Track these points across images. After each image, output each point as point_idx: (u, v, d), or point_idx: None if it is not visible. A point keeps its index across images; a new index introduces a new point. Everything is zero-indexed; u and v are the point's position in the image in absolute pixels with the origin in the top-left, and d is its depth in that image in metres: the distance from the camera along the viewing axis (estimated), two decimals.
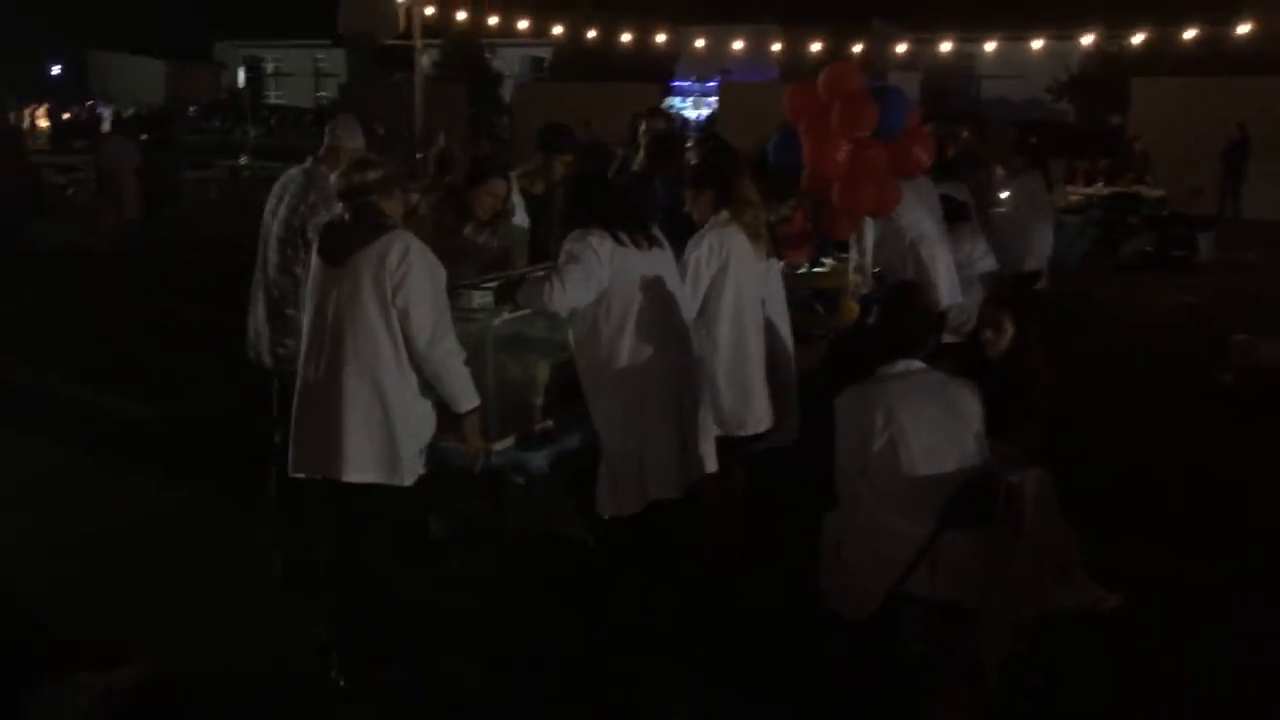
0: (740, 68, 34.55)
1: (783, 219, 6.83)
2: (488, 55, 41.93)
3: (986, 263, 7.84)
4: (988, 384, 4.23)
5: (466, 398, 3.97)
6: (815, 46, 20.72)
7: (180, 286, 12.53)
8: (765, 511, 5.24)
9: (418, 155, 20.63)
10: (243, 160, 25.23)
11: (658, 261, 4.40)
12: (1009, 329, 4.84)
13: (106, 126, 29.48)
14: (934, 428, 3.79)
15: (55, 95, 43.48)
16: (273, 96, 55.08)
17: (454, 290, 4.48)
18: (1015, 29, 24.93)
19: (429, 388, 3.99)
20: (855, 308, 6.61)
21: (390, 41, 27.03)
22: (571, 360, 4.39)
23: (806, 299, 6.54)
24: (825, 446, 4.09)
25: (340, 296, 3.89)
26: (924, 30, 26.09)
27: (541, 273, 4.35)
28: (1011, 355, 4.84)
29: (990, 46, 24.28)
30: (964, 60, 36.69)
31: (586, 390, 4.36)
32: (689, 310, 4.55)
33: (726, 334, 4.82)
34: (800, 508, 4.55)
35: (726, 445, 4.66)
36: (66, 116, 40.41)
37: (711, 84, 35.94)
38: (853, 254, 6.86)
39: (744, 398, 4.86)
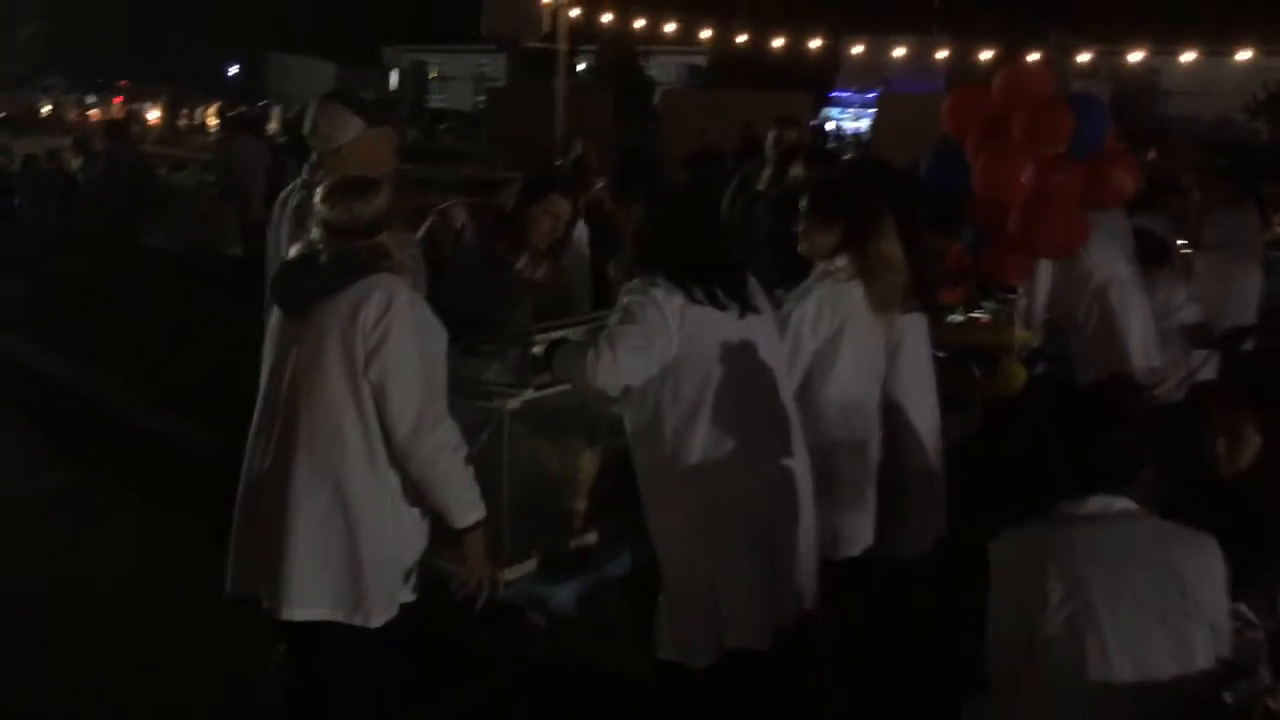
0: (902, 77, 32.81)
1: (934, 253, 5.56)
2: (642, 62, 41.09)
3: (1188, 313, 6.32)
4: (1212, 515, 2.89)
5: (465, 509, 2.86)
6: (985, 55, 19.05)
7: None
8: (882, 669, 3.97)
9: (556, 163, 19.95)
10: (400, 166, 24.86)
11: (750, 328, 3.21)
12: (1253, 439, 3.33)
13: (274, 125, 29.86)
14: (1144, 610, 2.46)
15: (232, 95, 44.72)
16: (435, 100, 55.65)
17: (501, 340, 3.41)
18: (1213, 41, 22.66)
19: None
20: (1021, 373, 5.25)
21: (537, 45, 26.41)
22: (622, 449, 3.25)
23: (959, 357, 5.24)
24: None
25: (298, 361, 2.84)
26: (1105, 43, 24.03)
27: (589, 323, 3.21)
28: (1254, 477, 3.37)
29: (1187, 58, 22.08)
30: (1149, 75, 34.06)
31: (645, 496, 3.21)
32: (788, 392, 3.35)
33: (832, 427, 3.60)
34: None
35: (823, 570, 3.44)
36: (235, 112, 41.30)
37: (872, 95, 34.27)
38: (1021, 301, 5.49)
39: (842, 511, 3.63)
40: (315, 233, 2.88)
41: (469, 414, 3.04)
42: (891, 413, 3.86)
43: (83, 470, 6.34)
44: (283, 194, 3.59)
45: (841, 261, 3.62)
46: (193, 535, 5.20)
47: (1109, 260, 5.52)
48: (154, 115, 42.68)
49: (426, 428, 2.77)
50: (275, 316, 2.93)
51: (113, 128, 15.61)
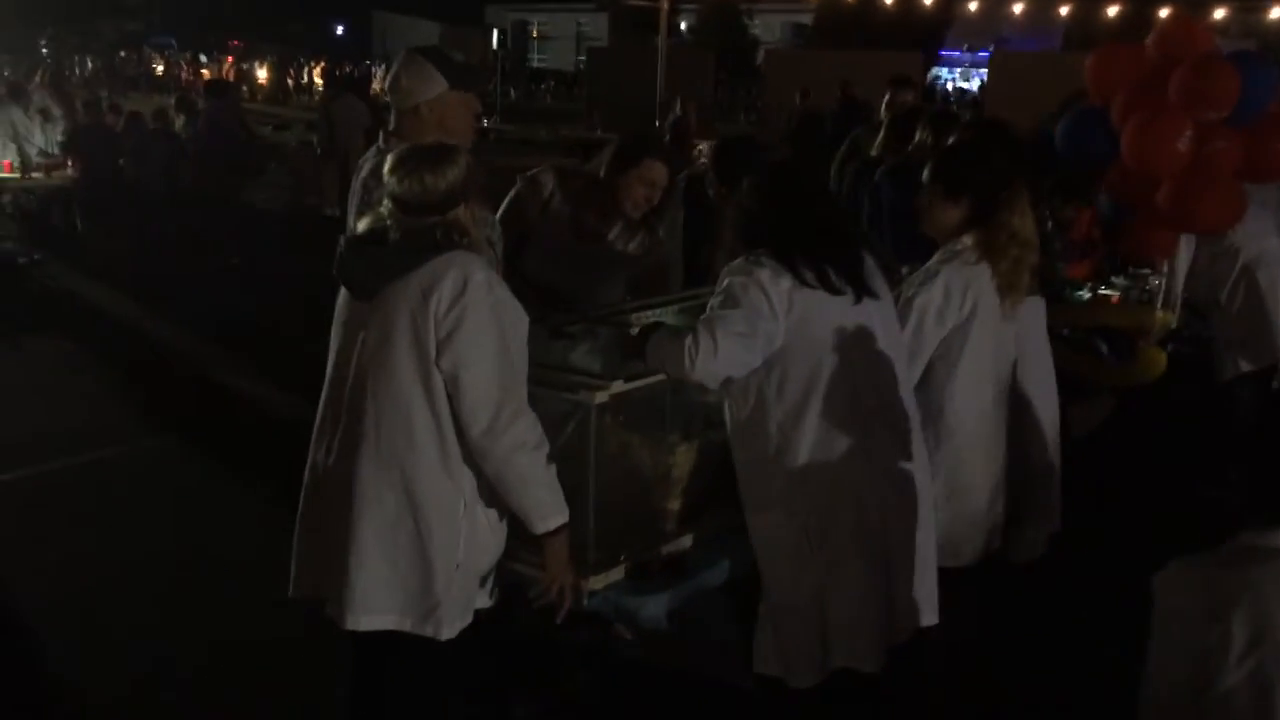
0: (1018, 35, 31.53)
1: (1062, 223, 5.10)
2: (746, 20, 40.29)
3: None
4: None
5: (546, 512, 2.59)
6: (1112, 10, 18.09)
7: None
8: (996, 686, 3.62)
9: (656, 124, 19.55)
10: (487, 122, 24.75)
11: (866, 314, 2.87)
12: None
13: (376, 86, 29.95)
14: None
15: (338, 54, 45.14)
16: (536, 60, 55.49)
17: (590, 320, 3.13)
18: None
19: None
20: (1161, 358, 4.80)
21: (638, 3, 25.96)
22: (726, 443, 2.95)
23: (1087, 339, 4.79)
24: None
25: (365, 348, 2.58)
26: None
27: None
28: None
29: None
30: None
31: (745, 498, 2.91)
32: (908, 387, 3.00)
33: (957, 422, 3.24)
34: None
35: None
36: (341, 71, 41.71)
37: (984, 54, 33.00)
38: (1158, 279, 5.01)
39: (966, 516, 3.27)
40: (384, 206, 2.61)
41: (552, 404, 2.75)
42: (1014, 405, 3.48)
43: (183, 434, 6.29)
44: (360, 161, 3.33)
45: (969, 240, 3.24)
46: (284, 511, 5.09)
47: (1259, 235, 5.01)
48: (263, 75, 43.27)
49: (504, 423, 2.50)
50: (342, 298, 2.69)
51: (214, 87, 15.79)
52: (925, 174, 3.32)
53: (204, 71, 42.94)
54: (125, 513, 5.21)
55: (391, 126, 3.22)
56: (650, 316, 3.65)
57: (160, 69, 44.79)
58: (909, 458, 2.91)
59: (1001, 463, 3.35)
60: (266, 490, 5.18)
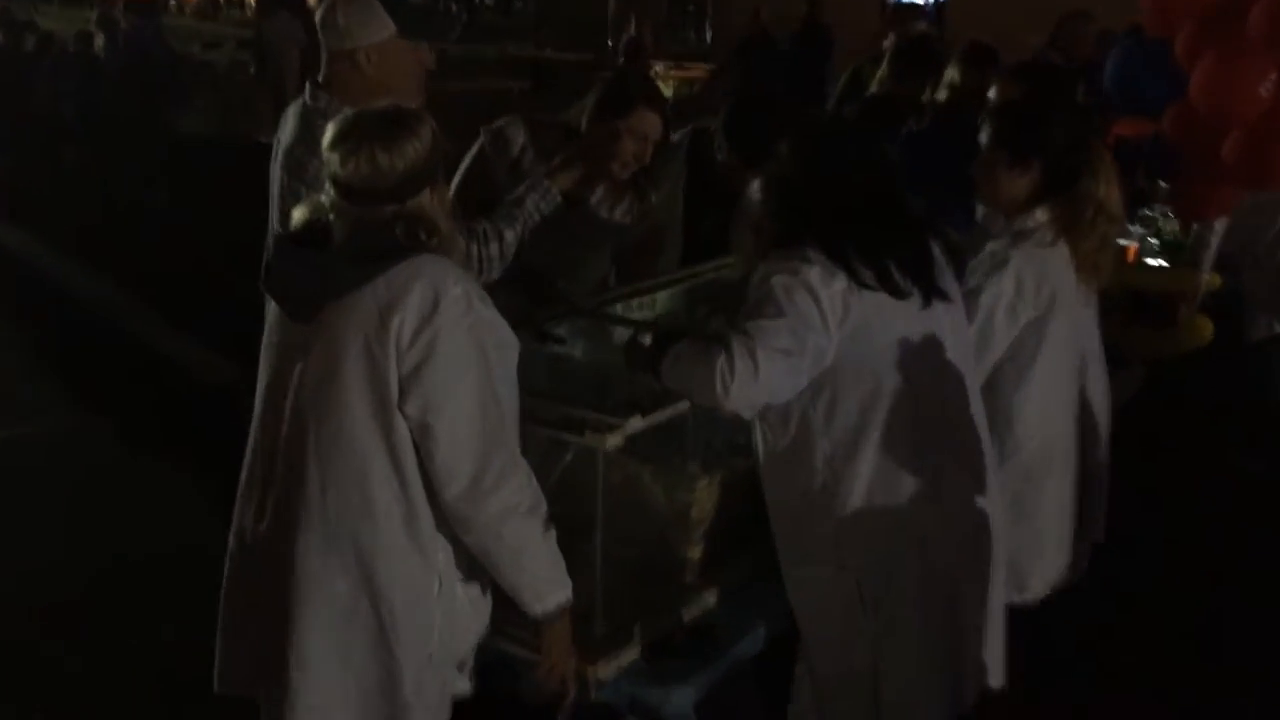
0: None
1: None
2: None
3: None
4: None
5: (544, 590, 2.02)
6: None
7: None
8: None
9: (608, 44, 18.67)
10: (439, 46, 23.56)
11: (936, 320, 2.30)
12: None
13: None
14: None
15: None
16: None
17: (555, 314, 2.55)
18: None
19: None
20: (1207, 326, 4.30)
21: None
22: (754, 474, 2.39)
23: (1121, 304, 4.28)
24: None
25: (304, 385, 1.96)
26: None
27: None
28: None
29: None
30: None
31: (783, 544, 2.36)
32: (979, 405, 2.44)
33: (1027, 435, 2.70)
34: None
35: None
36: None
37: None
38: (1203, 235, 4.47)
39: (1035, 542, 2.75)
40: (324, 195, 1.98)
41: (548, 440, 2.17)
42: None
43: (93, 406, 5.61)
44: (282, 118, 2.66)
45: (1043, 215, 2.67)
46: (197, 494, 4.47)
47: None
48: None
49: (489, 484, 1.91)
50: (273, 315, 2.06)
51: (135, 3, 14.66)
52: (983, 135, 2.73)
53: None
54: (22, 506, 4.52)
55: (321, 74, 2.56)
56: (648, 305, 3.07)
57: None
58: (984, 496, 2.37)
59: (1073, 477, 2.83)
60: (192, 475, 4.57)
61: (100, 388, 5.87)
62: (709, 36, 25.06)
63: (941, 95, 4.50)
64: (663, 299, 3.14)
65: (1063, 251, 2.66)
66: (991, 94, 3.17)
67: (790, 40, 12.40)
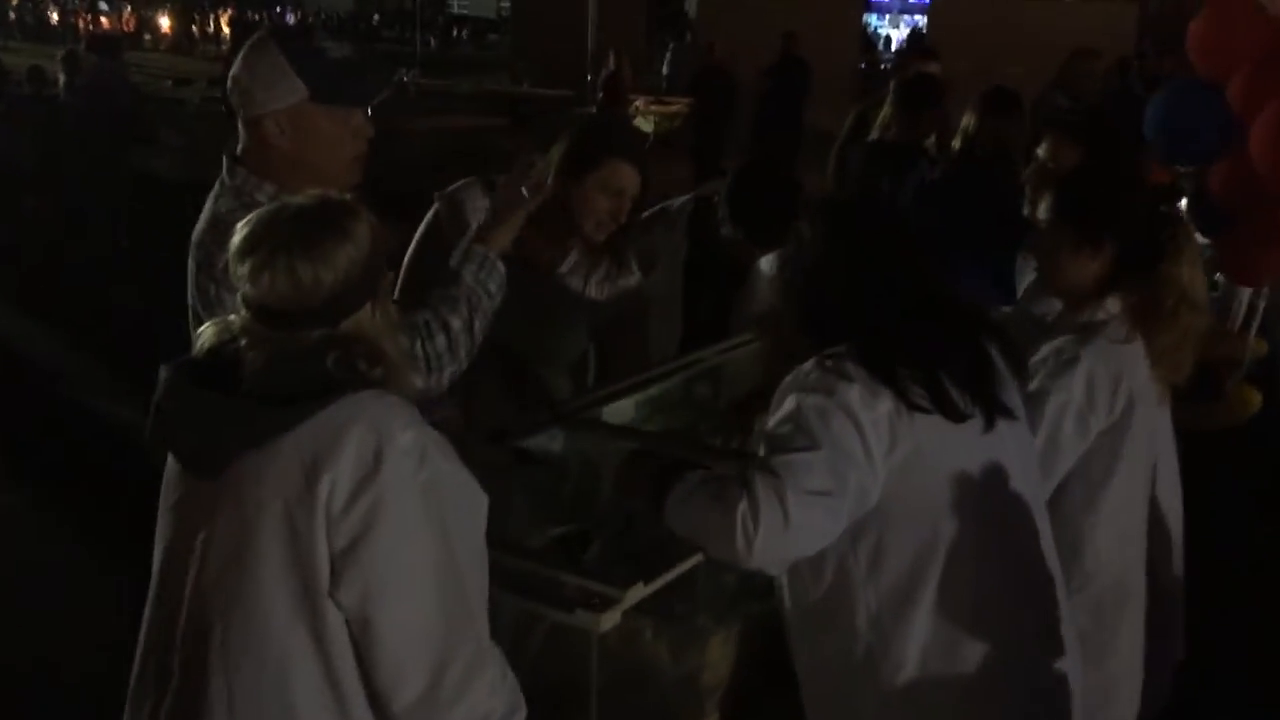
0: None
1: None
2: None
3: None
4: None
5: None
6: None
7: None
8: None
9: (588, 78, 18.32)
10: (407, 76, 23.15)
11: (1000, 445, 1.88)
12: None
13: None
14: None
15: (247, 1, 42.76)
16: (456, 6, 53.39)
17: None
18: None
19: None
20: (1255, 397, 3.89)
21: None
22: (775, 623, 1.95)
23: None
24: None
25: (208, 561, 1.51)
26: None
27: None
28: None
29: None
30: None
31: (817, 716, 1.92)
32: (1050, 541, 2.01)
33: (1099, 565, 2.27)
34: None
35: None
36: (255, 19, 39.66)
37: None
38: (1231, 288, 4.07)
39: (1104, 690, 2.31)
40: (234, 315, 1.55)
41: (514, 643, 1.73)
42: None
43: (26, 485, 5.12)
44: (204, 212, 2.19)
45: (1115, 306, 2.25)
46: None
47: None
48: (166, 23, 40.85)
49: (450, 692, 1.47)
50: (171, 471, 1.61)
51: (99, 42, 14.19)
52: (1044, 209, 2.31)
53: (104, 20, 40.47)
54: None
55: (240, 144, 2.11)
56: (639, 402, 2.64)
57: (56, 17, 42.06)
58: (1061, 657, 1.94)
59: (1145, 606, 2.40)
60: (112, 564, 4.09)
61: (50, 462, 5.38)
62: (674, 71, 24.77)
63: (955, 142, 4.14)
64: (655, 393, 2.71)
65: (1138, 347, 2.25)
66: (1041, 152, 2.76)
67: (769, 73, 12.03)
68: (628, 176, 2.58)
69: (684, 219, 3.00)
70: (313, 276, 1.49)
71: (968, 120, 3.90)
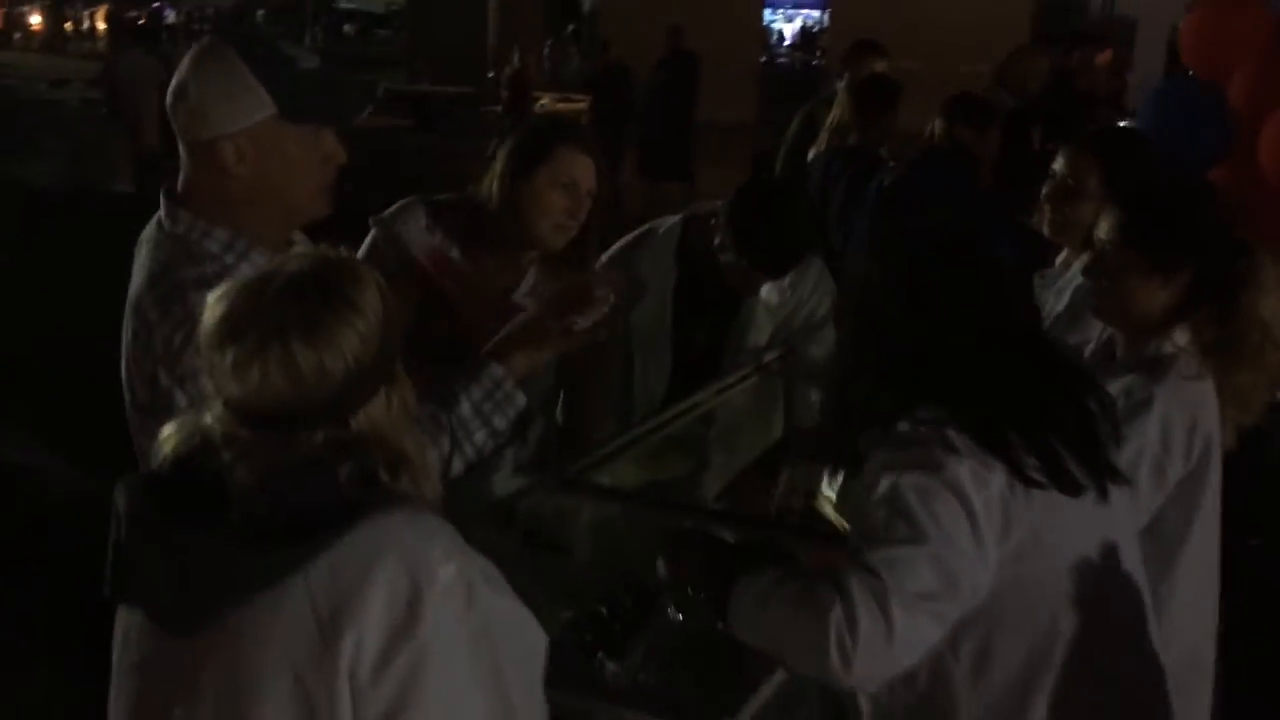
0: None
1: None
2: None
3: None
4: None
5: None
6: None
7: None
8: None
9: (489, 75, 17.85)
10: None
11: (1114, 518, 1.64)
12: None
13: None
14: None
15: None
16: (343, 1, 52.13)
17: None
18: None
19: None
20: None
21: None
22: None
23: None
24: None
25: None
26: None
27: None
28: None
29: None
30: None
31: None
32: (1155, 620, 1.76)
33: (1173, 630, 2.02)
34: None
35: None
36: (133, 16, 38.20)
37: None
38: None
39: None
40: (210, 413, 1.20)
41: None
42: None
43: None
44: (136, 248, 1.79)
45: (1183, 338, 2.01)
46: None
47: None
48: (37, 21, 39.01)
49: None
50: (128, 621, 1.25)
51: None
52: (1105, 230, 2.06)
53: None
54: None
55: (180, 178, 1.73)
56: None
57: None
58: None
59: (1210, 678, 2.17)
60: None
61: None
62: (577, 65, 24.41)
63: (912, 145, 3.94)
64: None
65: (1209, 385, 2.01)
66: (1059, 168, 2.52)
67: (658, 67, 11.73)
68: (582, 167, 2.29)
69: (673, 243, 2.70)
70: (316, 367, 1.15)
71: (936, 125, 3.70)
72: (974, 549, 1.46)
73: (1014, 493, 1.50)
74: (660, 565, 1.70)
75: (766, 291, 2.69)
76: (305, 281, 1.20)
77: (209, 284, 1.55)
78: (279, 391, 1.15)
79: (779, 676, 1.62)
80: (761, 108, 19.20)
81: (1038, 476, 1.51)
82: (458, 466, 1.76)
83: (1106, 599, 1.60)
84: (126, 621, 1.25)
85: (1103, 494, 1.59)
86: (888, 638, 1.39)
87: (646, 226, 2.78)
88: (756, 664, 1.79)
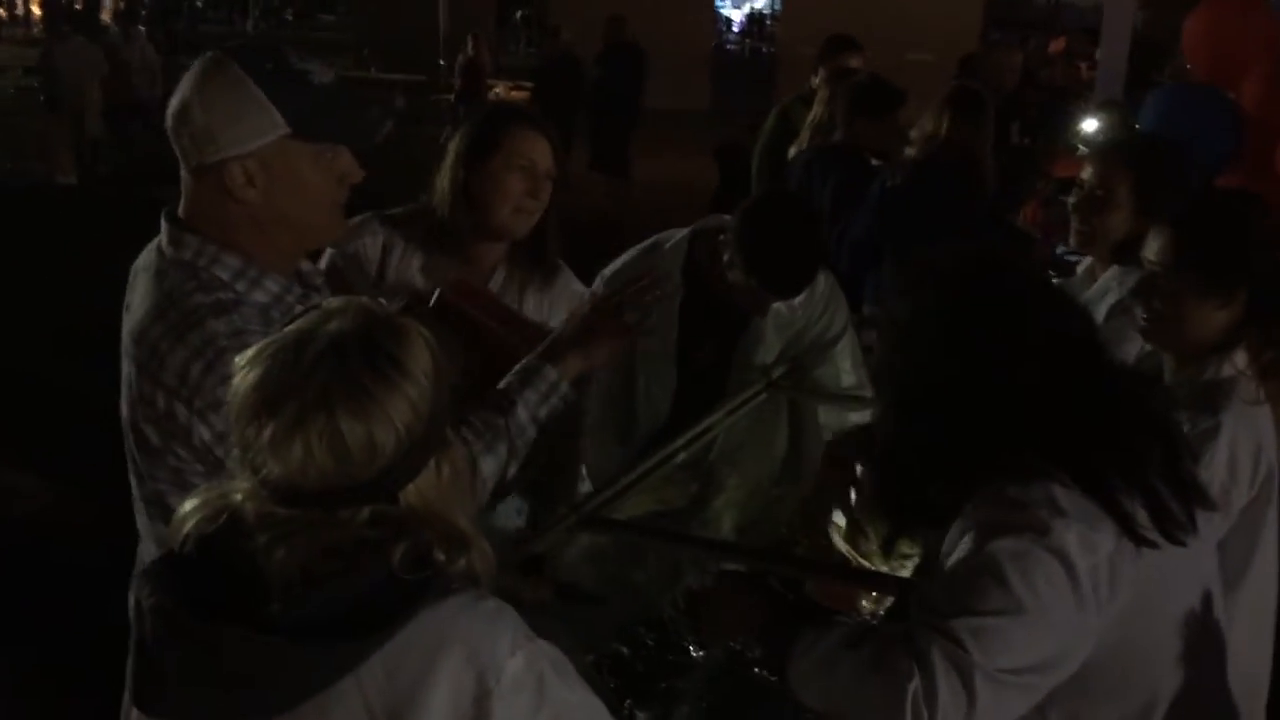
0: None
1: None
2: None
3: None
4: None
5: None
6: None
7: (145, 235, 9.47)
8: None
9: (440, 62, 17.56)
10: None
11: (1202, 559, 1.58)
12: None
13: (106, 17, 26.23)
14: None
15: None
16: None
17: None
18: None
19: None
20: None
21: None
22: None
23: None
24: None
25: None
26: None
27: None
28: None
29: None
30: None
31: None
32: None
33: (1233, 656, 1.95)
34: None
35: None
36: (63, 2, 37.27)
37: None
38: None
39: None
40: (237, 487, 1.07)
41: None
42: None
43: None
44: (130, 279, 1.67)
45: (1242, 361, 1.93)
46: None
47: None
48: None
49: None
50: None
51: None
52: (1156, 251, 1.96)
53: None
54: None
55: (183, 202, 1.60)
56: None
57: None
58: None
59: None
60: None
61: None
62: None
63: (911, 150, 3.86)
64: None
65: (1268, 410, 1.94)
66: (1087, 178, 2.44)
67: (596, 60, 11.52)
68: (538, 147, 2.22)
69: (679, 258, 2.59)
70: (365, 442, 1.03)
71: (934, 123, 3.61)
72: (1076, 620, 1.36)
73: (1122, 554, 1.39)
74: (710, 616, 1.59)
75: (776, 308, 2.58)
76: (349, 343, 1.07)
77: (226, 311, 1.46)
78: (323, 470, 1.02)
79: None
80: (715, 96, 19.12)
81: (1149, 535, 1.40)
82: (512, 471, 1.68)
83: (1206, 654, 1.51)
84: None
85: (1194, 528, 1.48)
86: (969, 713, 1.30)
87: (651, 240, 2.67)
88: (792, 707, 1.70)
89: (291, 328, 1.09)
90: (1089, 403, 1.46)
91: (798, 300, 2.57)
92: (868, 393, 2.63)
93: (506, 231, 2.23)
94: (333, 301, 1.12)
